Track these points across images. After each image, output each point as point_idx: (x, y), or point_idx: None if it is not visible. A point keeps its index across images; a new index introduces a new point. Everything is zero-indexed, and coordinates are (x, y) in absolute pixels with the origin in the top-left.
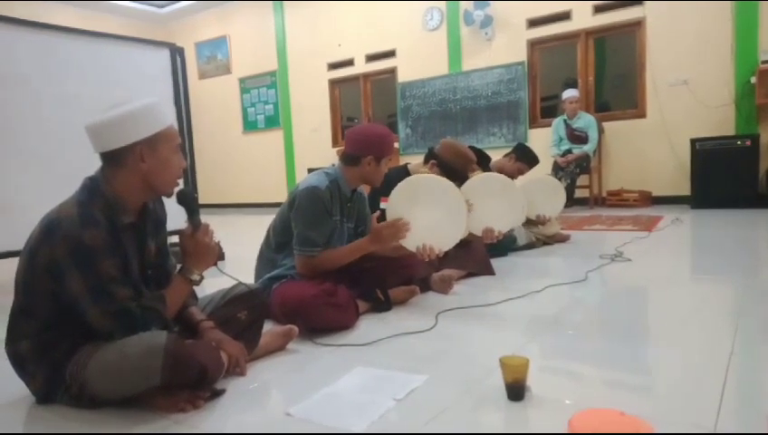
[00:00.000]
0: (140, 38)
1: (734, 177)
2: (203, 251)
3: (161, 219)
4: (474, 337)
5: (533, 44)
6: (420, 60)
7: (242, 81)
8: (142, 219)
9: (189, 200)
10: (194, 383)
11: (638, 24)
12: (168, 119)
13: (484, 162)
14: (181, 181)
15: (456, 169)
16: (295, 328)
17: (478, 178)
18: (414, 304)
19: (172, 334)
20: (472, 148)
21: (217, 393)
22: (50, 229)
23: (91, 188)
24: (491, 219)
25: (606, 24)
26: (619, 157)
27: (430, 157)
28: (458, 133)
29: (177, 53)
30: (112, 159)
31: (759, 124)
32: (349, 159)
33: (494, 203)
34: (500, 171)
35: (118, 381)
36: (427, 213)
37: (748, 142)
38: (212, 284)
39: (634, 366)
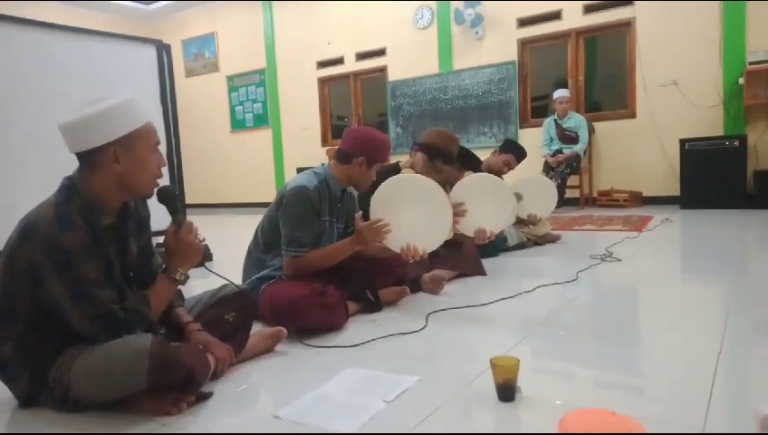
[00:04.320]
0: (127, 35)
1: (723, 177)
2: (187, 249)
3: (144, 219)
4: (465, 338)
5: (524, 44)
6: (411, 59)
7: (230, 79)
8: (123, 220)
9: (170, 198)
10: (180, 386)
11: (627, 25)
12: (145, 116)
13: (474, 165)
14: (161, 180)
15: (439, 148)
16: (284, 329)
17: (469, 179)
18: (404, 305)
19: (158, 337)
20: (465, 150)
21: (204, 396)
22: (28, 232)
23: (69, 189)
24: (482, 220)
25: (596, 24)
26: (609, 157)
27: (415, 147)
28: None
29: (163, 50)
30: (87, 159)
31: (747, 125)
32: (342, 155)
33: (486, 204)
34: (488, 167)
35: (103, 384)
36: (410, 213)
37: (736, 143)
38: (200, 284)
39: (624, 366)
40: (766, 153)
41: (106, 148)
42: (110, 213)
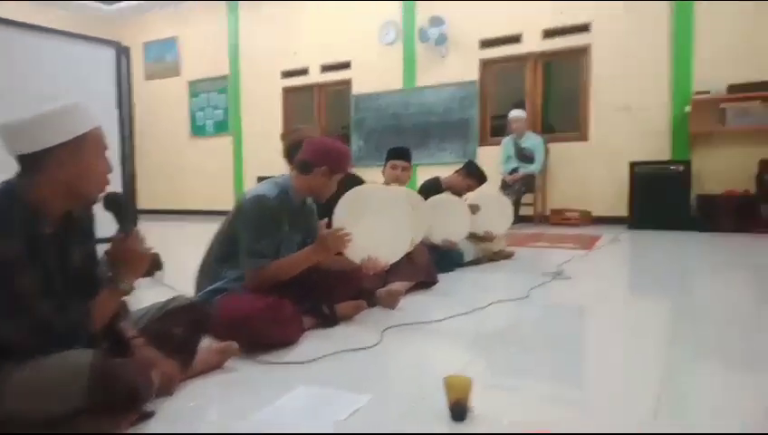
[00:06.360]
0: (84, 35)
1: (669, 200)
2: (132, 258)
3: (87, 226)
4: (419, 354)
5: (485, 64)
6: (375, 73)
7: (191, 84)
8: (65, 228)
9: (117, 205)
10: (122, 405)
11: (584, 51)
12: (93, 120)
13: (406, 157)
14: (110, 186)
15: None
16: (235, 344)
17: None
18: (360, 320)
19: (99, 352)
20: (399, 149)
21: (146, 416)
22: None
23: (8, 194)
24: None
25: (554, 49)
26: (562, 177)
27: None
28: (411, 148)
29: (122, 52)
30: (30, 163)
31: (692, 151)
32: (302, 165)
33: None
34: (450, 187)
35: (38, 403)
36: (373, 224)
37: (681, 168)
38: (150, 296)
39: (573, 382)
40: (709, 178)
41: (52, 151)
42: (52, 221)
